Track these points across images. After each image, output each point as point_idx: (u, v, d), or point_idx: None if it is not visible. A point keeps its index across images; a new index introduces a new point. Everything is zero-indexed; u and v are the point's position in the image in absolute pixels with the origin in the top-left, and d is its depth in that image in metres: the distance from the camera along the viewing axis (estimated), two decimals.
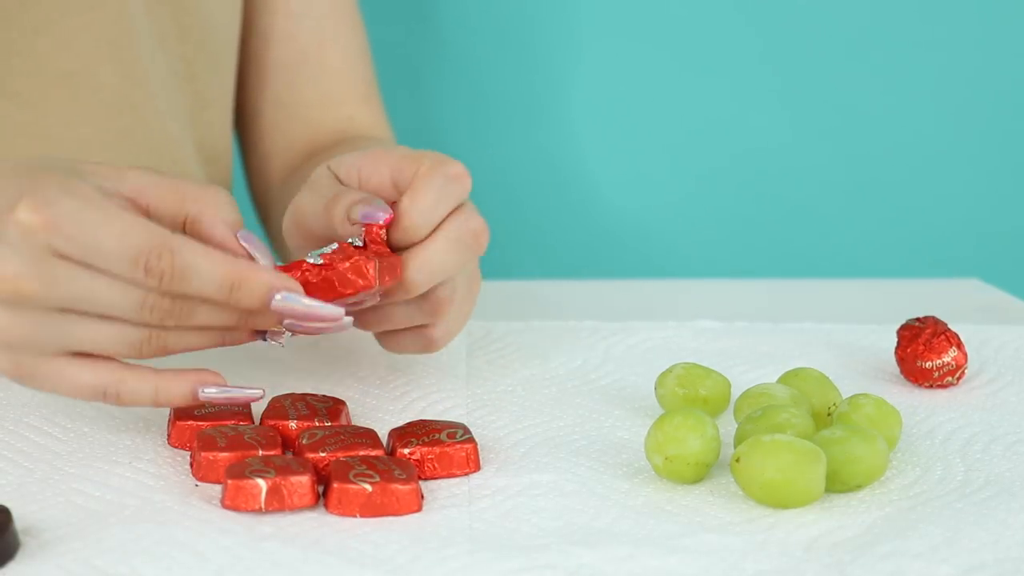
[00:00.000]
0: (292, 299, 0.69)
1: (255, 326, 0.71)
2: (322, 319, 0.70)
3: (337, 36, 1.09)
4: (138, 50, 0.97)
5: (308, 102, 1.09)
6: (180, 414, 0.73)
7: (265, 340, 0.72)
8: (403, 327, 0.78)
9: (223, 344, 0.71)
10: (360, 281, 0.70)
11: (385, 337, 0.79)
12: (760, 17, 1.32)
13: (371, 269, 0.70)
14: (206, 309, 0.69)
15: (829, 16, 1.33)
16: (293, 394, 0.76)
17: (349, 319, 0.71)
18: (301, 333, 0.71)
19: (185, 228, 0.71)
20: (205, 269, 0.67)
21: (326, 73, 1.09)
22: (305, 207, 0.77)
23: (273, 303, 0.68)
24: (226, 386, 0.70)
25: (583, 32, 1.33)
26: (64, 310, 0.67)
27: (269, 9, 1.08)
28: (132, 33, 0.97)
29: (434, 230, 0.74)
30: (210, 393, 0.70)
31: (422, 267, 0.73)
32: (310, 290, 0.70)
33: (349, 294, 0.70)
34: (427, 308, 0.76)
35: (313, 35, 1.08)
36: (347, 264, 0.70)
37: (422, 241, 0.74)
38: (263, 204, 1.12)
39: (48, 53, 0.94)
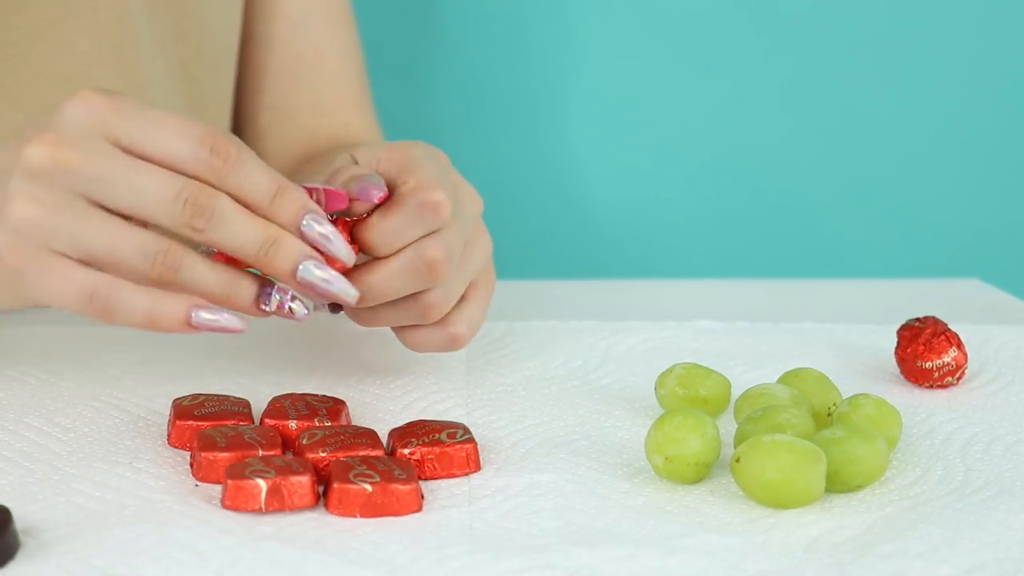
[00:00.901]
0: (321, 222, 0.69)
1: (274, 258, 0.68)
2: (342, 254, 0.70)
3: (333, 42, 1.10)
4: (138, 53, 0.97)
5: (303, 108, 1.09)
6: (180, 414, 0.73)
7: (266, 306, 0.70)
8: (399, 325, 0.78)
9: (229, 300, 0.69)
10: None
11: (405, 335, 0.79)
12: (762, 17, 1.32)
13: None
14: (236, 218, 0.67)
15: (830, 16, 1.33)
16: (293, 394, 0.76)
17: (354, 254, 0.71)
18: (310, 285, 0.70)
19: None
20: (258, 166, 0.67)
21: (322, 79, 1.09)
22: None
23: (303, 222, 0.69)
24: (218, 311, 0.69)
25: (582, 32, 1.33)
26: (90, 200, 0.66)
27: (267, 16, 1.08)
28: (132, 36, 0.97)
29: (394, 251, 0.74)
30: (202, 317, 0.68)
31: (370, 287, 0.74)
32: None
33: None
34: (416, 311, 0.76)
35: (309, 41, 1.09)
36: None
37: (377, 259, 0.74)
38: None
39: (48, 56, 0.94)
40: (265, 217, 0.68)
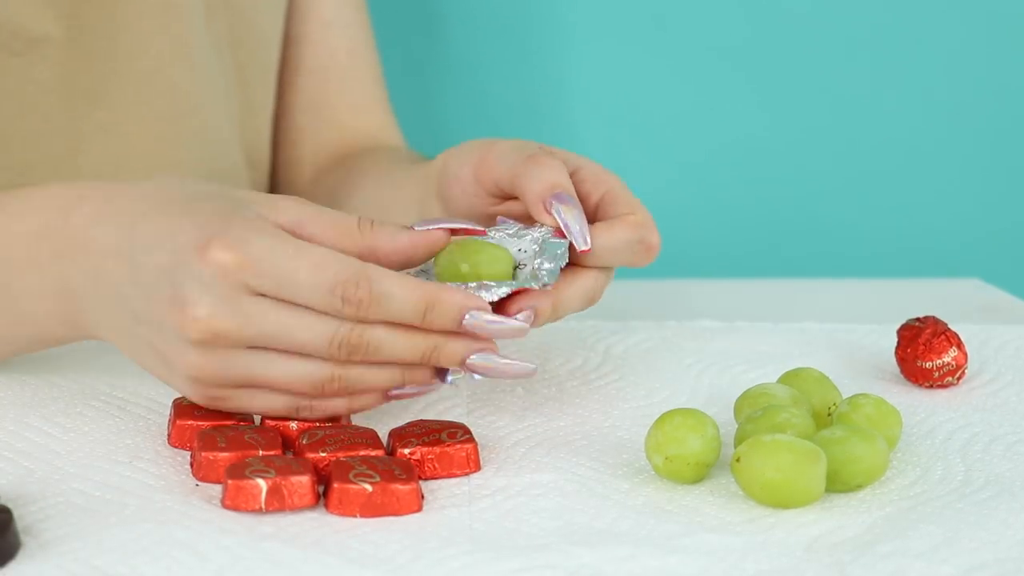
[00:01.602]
0: (479, 316, 0.69)
1: (439, 361, 0.70)
2: (510, 334, 0.70)
3: (362, 45, 1.12)
4: (202, 55, 0.99)
5: (339, 107, 1.11)
6: (181, 413, 0.73)
7: (446, 380, 0.72)
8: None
9: (403, 385, 0.71)
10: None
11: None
12: (761, 16, 1.32)
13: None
14: (392, 343, 0.69)
15: (830, 16, 1.32)
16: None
17: (527, 326, 0.71)
18: (483, 372, 0.71)
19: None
20: (399, 294, 0.68)
21: (355, 80, 1.11)
22: (499, 157, 0.78)
23: (464, 320, 0.69)
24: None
25: (583, 32, 1.33)
26: (253, 347, 0.68)
27: (302, 16, 1.10)
28: (199, 38, 0.99)
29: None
30: (398, 392, 0.72)
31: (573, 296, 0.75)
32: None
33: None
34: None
35: (342, 42, 1.11)
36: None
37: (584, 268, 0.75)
38: None
39: (124, 54, 0.96)
40: (424, 328, 0.69)
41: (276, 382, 0.70)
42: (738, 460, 0.66)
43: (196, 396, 0.71)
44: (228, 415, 0.73)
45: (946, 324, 0.83)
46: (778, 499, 0.66)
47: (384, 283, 0.68)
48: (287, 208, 0.70)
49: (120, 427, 0.75)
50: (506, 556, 0.61)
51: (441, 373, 0.72)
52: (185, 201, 0.71)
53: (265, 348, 0.69)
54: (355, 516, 0.65)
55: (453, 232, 0.73)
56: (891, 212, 1.36)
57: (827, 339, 0.91)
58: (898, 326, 0.84)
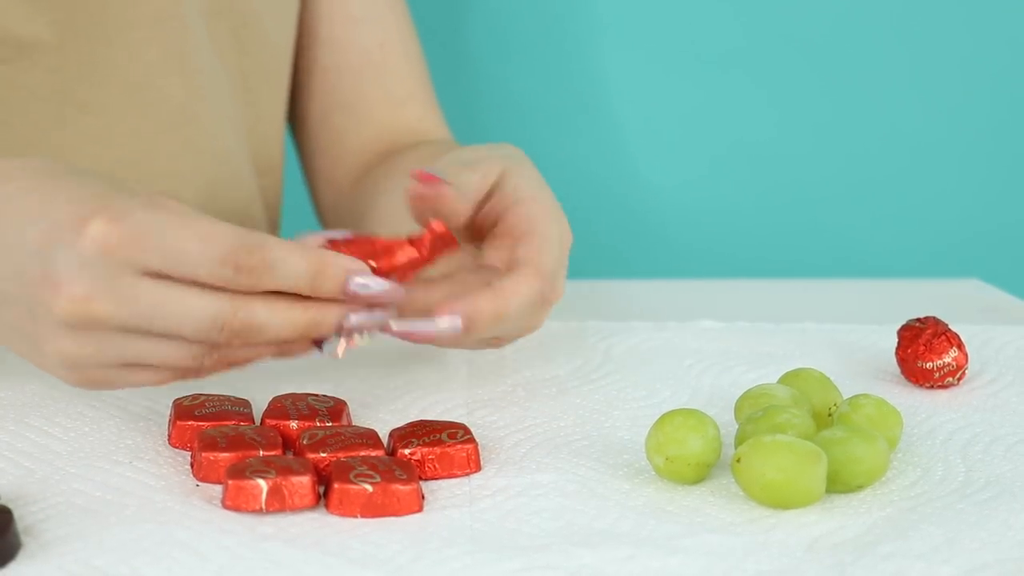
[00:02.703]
0: (365, 279, 0.69)
1: (319, 332, 0.69)
2: (389, 299, 0.70)
3: (396, 38, 1.10)
4: (199, 63, 0.99)
5: (375, 103, 1.10)
6: (180, 414, 0.73)
7: (320, 350, 0.71)
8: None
9: (281, 355, 0.71)
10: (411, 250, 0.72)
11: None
12: (761, 16, 1.32)
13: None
14: (274, 324, 0.67)
15: (830, 15, 1.32)
16: (294, 394, 0.76)
17: (402, 291, 0.70)
18: (365, 328, 0.70)
19: None
20: (292, 260, 0.67)
21: (389, 74, 1.10)
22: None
23: (350, 285, 0.68)
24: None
25: (579, 33, 1.33)
26: (130, 329, 0.66)
27: (327, 17, 1.09)
28: (194, 46, 0.98)
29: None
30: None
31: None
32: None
33: (403, 263, 0.72)
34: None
35: (374, 37, 1.10)
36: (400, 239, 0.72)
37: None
38: (332, 209, 1.13)
39: (117, 64, 0.95)
40: (311, 298, 0.68)
41: (154, 363, 0.67)
42: (739, 461, 0.66)
43: (71, 381, 0.68)
44: (228, 416, 0.73)
45: (947, 324, 0.83)
46: (779, 500, 0.66)
47: (276, 250, 0.66)
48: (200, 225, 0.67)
49: (120, 427, 0.75)
50: (507, 556, 0.61)
51: (318, 343, 0.71)
52: (61, 176, 0.68)
53: (143, 332, 0.66)
54: (356, 516, 0.65)
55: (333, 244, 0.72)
56: (891, 212, 1.36)
57: (827, 339, 0.91)
58: (898, 326, 0.84)
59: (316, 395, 0.76)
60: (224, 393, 0.77)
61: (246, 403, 0.75)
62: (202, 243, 0.65)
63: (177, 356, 0.68)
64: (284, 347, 0.70)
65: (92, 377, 0.69)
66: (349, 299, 0.69)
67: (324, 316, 0.69)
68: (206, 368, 0.69)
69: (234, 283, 0.66)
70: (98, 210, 0.65)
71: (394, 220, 0.91)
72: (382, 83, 1.10)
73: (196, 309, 0.66)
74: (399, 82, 1.10)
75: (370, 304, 0.70)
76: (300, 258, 0.67)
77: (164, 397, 0.78)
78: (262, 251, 0.66)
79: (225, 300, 0.66)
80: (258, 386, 0.80)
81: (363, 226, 1.04)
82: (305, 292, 0.68)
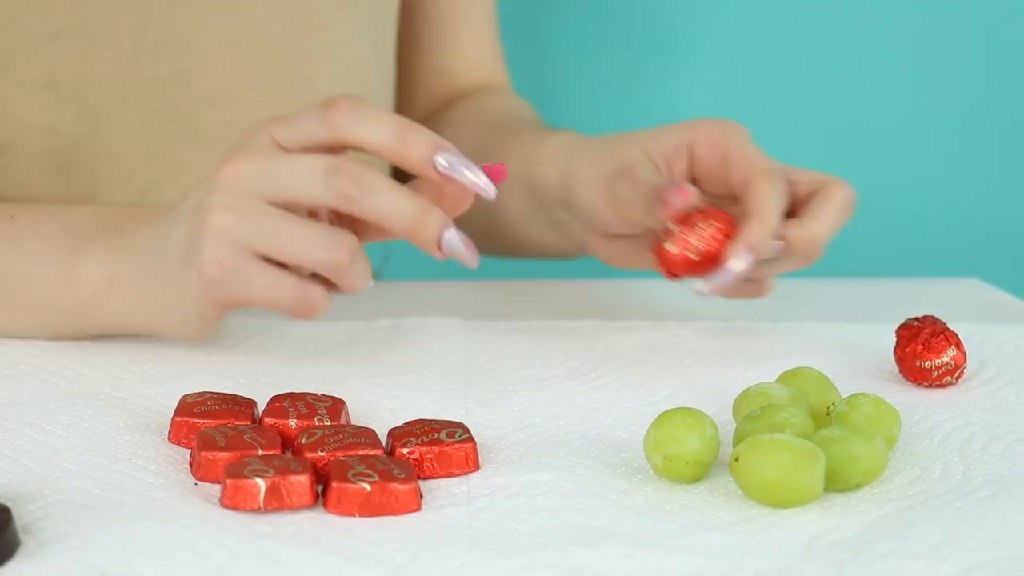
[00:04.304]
0: (451, 158, 0.75)
1: (418, 234, 0.75)
2: (475, 187, 0.76)
3: None
4: None
5: (452, 56, 1.13)
6: (180, 410, 0.73)
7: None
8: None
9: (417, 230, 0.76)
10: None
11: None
12: (760, 16, 1.32)
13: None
14: (384, 186, 0.75)
15: (830, 15, 1.33)
16: (293, 393, 0.76)
17: (493, 189, 0.76)
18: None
19: None
20: (380, 112, 0.76)
21: (471, 31, 1.13)
22: (624, 198, 0.86)
23: (436, 160, 0.75)
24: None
25: (579, 31, 1.33)
26: (270, 201, 0.75)
27: None
28: None
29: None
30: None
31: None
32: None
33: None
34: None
35: None
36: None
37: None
38: None
39: None
40: (399, 154, 0.75)
41: (290, 249, 0.75)
42: (736, 460, 0.66)
43: (214, 265, 0.75)
44: (227, 414, 0.73)
45: (945, 324, 0.83)
46: (777, 499, 0.66)
47: (366, 102, 0.76)
48: None
49: (119, 425, 0.75)
50: (505, 555, 0.61)
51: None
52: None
53: (279, 199, 0.75)
54: (354, 515, 0.65)
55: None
56: (891, 212, 1.36)
57: (826, 338, 0.91)
58: (897, 326, 0.84)
59: (315, 394, 0.76)
60: (231, 392, 0.77)
61: (250, 403, 0.75)
62: (311, 104, 0.76)
63: (310, 242, 0.75)
64: (411, 223, 0.75)
65: (238, 265, 0.75)
66: (433, 172, 0.75)
67: (433, 214, 0.75)
68: (335, 204, 0.75)
69: (328, 122, 0.75)
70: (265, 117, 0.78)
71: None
72: (461, 38, 1.12)
73: (314, 160, 0.74)
74: (477, 38, 1.13)
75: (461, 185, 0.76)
76: (389, 113, 0.76)
77: (164, 397, 0.78)
78: (350, 95, 0.76)
79: (341, 156, 0.75)
80: (257, 385, 0.81)
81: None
82: (393, 145, 0.74)
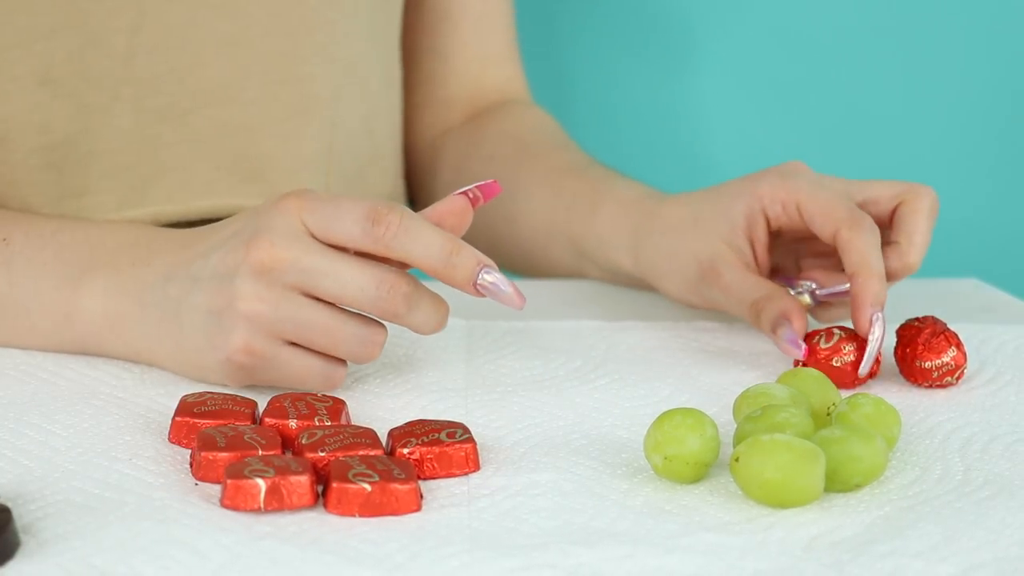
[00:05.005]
0: (494, 274, 0.75)
1: (458, 261, 0.74)
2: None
3: None
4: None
5: (470, 56, 1.10)
6: (180, 410, 0.73)
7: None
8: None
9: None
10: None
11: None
12: (760, 16, 1.32)
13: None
14: (432, 302, 0.75)
15: (830, 15, 1.33)
16: (293, 393, 0.76)
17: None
18: (490, 290, 0.75)
19: None
20: (428, 232, 0.74)
21: (487, 29, 1.10)
22: (717, 300, 0.88)
23: (479, 278, 0.74)
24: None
25: (580, 31, 1.33)
26: (303, 292, 0.74)
27: None
28: None
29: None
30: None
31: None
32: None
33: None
34: None
35: None
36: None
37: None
38: (407, 155, 1.13)
39: None
40: (445, 277, 0.74)
41: (320, 338, 0.75)
42: (737, 460, 0.66)
43: (244, 354, 0.75)
44: (227, 415, 0.73)
45: (945, 324, 0.83)
46: (777, 499, 0.66)
47: (414, 218, 0.74)
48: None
49: (119, 425, 0.75)
50: (505, 555, 0.61)
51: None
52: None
53: (313, 293, 0.74)
54: (354, 515, 0.65)
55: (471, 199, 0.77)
56: None
57: None
58: (897, 326, 0.84)
59: (315, 394, 0.76)
60: (232, 392, 0.77)
61: (251, 403, 0.75)
62: (352, 205, 0.74)
63: (342, 329, 0.75)
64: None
65: (263, 350, 0.75)
66: (474, 291, 0.75)
67: (463, 246, 0.74)
68: (380, 305, 0.74)
69: (372, 236, 0.73)
70: (288, 193, 0.75)
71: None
72: (480, 38, 1.10)
73: (364, 270, 0.74)
74: (493, 39, 1.11)
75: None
76: (437, 232, 0.74)
77: (163, 396, 0.78)
78: (401, 213, 0.73)
79: (386, 268, 0.74)
80: (257, 385, 0.80)
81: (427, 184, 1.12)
82: (437, 268, 0.74)
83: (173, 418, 0.73)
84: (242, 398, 0.75)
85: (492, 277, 0.74)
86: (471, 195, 0.77)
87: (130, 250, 0.81)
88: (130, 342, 0.80)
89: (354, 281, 0.74)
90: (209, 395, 0.75)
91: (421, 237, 0.73)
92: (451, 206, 0.76)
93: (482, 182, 0.77)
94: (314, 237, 0.74)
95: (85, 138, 0.93)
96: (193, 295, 0.77)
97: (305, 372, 0.77)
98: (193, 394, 0.75)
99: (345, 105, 1.01)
